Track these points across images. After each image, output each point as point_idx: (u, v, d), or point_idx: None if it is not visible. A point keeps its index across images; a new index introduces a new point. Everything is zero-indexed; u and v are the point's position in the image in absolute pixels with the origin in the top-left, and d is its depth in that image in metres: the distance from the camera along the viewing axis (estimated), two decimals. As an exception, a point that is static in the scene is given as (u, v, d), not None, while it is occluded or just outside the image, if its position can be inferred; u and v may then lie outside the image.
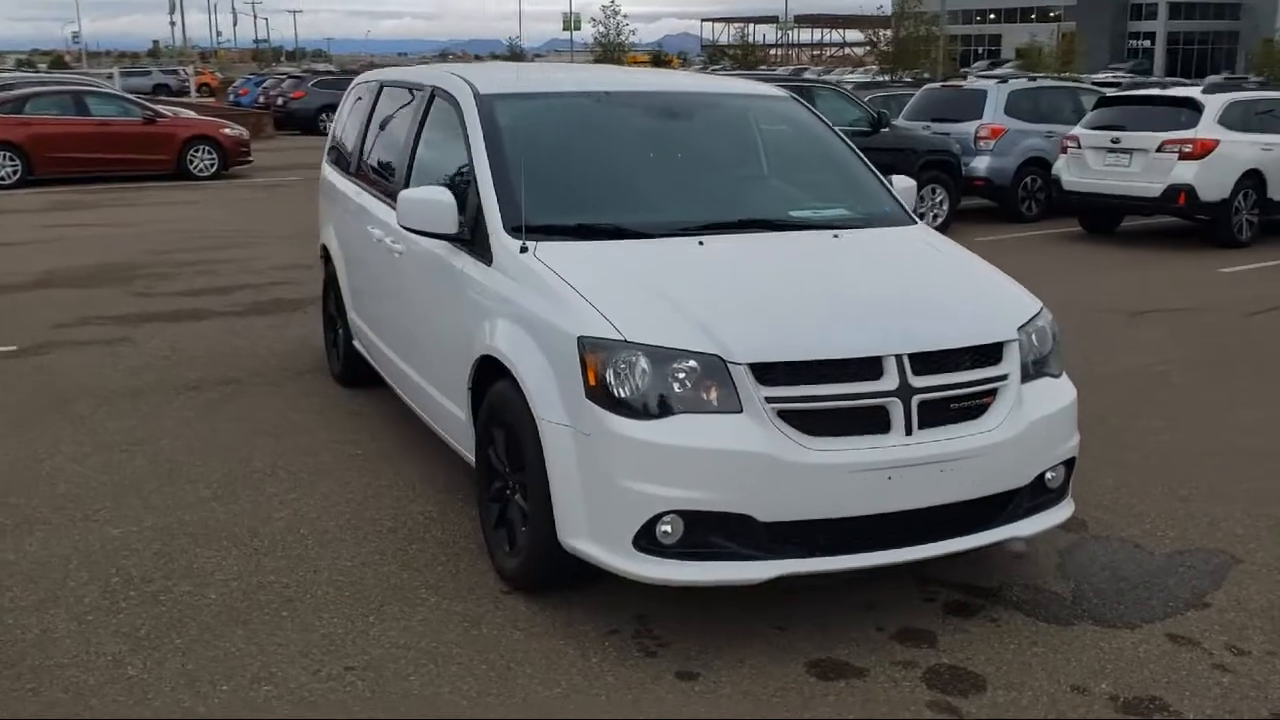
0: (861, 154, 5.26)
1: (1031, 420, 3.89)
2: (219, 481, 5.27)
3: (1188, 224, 13.50)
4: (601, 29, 49.29)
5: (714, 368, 3.57)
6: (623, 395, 3.59)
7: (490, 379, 4.24)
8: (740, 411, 3.55)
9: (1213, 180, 12.38)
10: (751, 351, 3.57)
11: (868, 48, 52.93)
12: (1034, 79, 17.95)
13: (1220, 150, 12.40)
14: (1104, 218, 13.92)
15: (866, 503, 3.61)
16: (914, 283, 4.29)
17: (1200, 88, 13.76)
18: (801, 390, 3.58)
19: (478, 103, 4.78)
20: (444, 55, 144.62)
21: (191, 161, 19.74)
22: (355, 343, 6.42)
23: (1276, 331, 8.76)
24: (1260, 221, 12.92)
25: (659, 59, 77.00)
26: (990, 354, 3.88)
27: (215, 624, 3.92)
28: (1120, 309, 9.21)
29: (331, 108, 32.40)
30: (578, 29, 78.15)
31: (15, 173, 18.34)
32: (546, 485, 3.78)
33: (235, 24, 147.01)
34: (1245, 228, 12.78)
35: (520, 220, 4.24)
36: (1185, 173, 12.36)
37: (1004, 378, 3.88)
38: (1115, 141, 12.96)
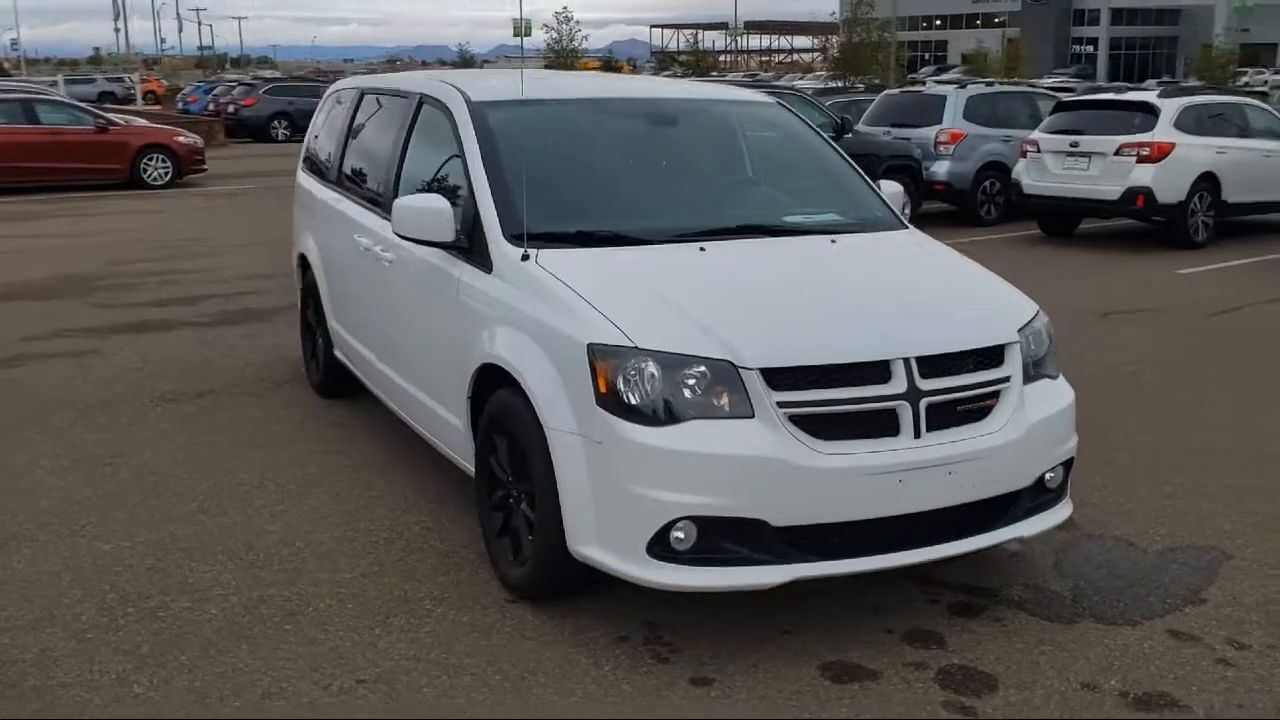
0: (850, 159, 5.30)
1: (1033, 422, 3.94)
2: (206, 494, 5.20)
3: (1144, 226, 13.74)
4: (554, 35, 49.26)
5: (725, 373, 3.58)
6: (634, 402, 3.59)
7: (491, 387, 4.22)
8: (752, 417, 3.57)
9: (1170, 183, 12.61)
10: (763, 357, 3.59)
11: (817, 54, 53.36)
12: (991, 84, 18.19)
13: (1176, 153, 12.64)
14: (1063, 220, 14.13)
15: (877, 506, 3.63)
16: (915, 287, 4.33)
17: (1157, 92, 14.00)
18: (812, 395, 3.60)
19: (470, 110, 4.76)
20: (391, 61, 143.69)
21: (145, 170, 19.45)
22: (337, 352, 6.36)
23: (1235, 332, 8.93)
24: (1215, 223, 13.18)
25: (610, 64, 77.06)
26: (993, 356, 3.92)
27: (219, 640, 3.86)
28: (1089, 310, 9.34)
29: (284, 115, 32.18)
30: (528, 35, 77.94)
31: (-37, 183, 17.99)
32: (555, 493, 3.77)
33: (181, 30, 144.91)
34: (1201, 229, 13.03)
35: (520, 228, 4.23)
36: (1143, 175, 12.58)
37: (1006, 380, 3.92)
38: (1074, 145, 13.17)
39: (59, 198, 17.94)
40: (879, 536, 3.68)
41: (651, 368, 3.59)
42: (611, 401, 3.61)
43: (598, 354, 3.65)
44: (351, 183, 5.98)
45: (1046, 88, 22.70)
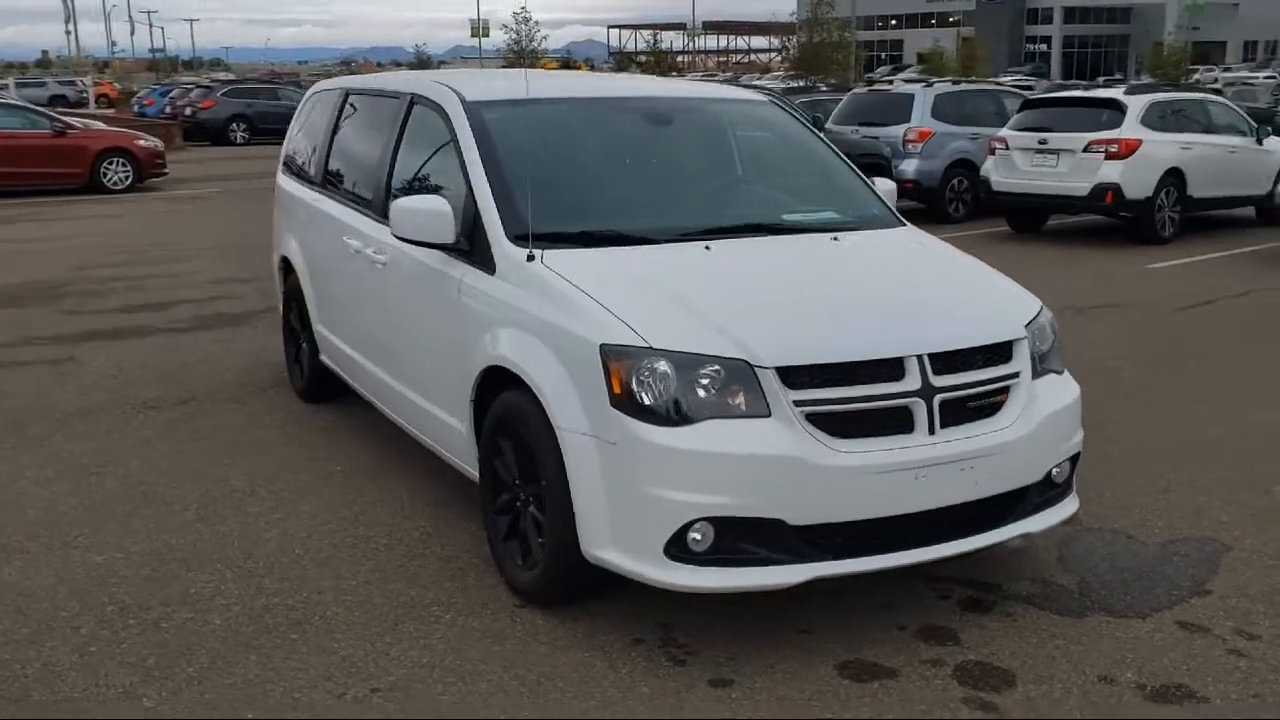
0: (845, 157, 5.30)
1: (1043, 417, 3.95)
2: (198, 503, 5.11)
3: (1111, 222, 13.89)
4: (513, 35, 49.12)
5: (740, 372, 3.56)
6: (649, 402, 3.56)
7: (495, 389, 4.18)
8: (769, 416, 3.55)
9: (1137, 179, 12.76)
10: (778, 355, 3.57)
11: (776, 54, 53.62)
12: (958, 83, 18.32)
13: (1144, 150, 12.79)
14: (1031, 217, 14.25)
15: (893, 503, 3.63)
16: (922, 284, 4.33)
17: (1123, 89, 14.16)
18: (828, 393, 3.59)
19: (466, 110, 4.71)
20: (347, 63, 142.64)
21: (105, 174, 19.16)
22: (323, 357, 6.28)
23: (1209, 326, 9.03)
24: (1181, 218, 13.34)
25: (569, 65, 76.94)
26: (1002, 352, 3.93)
27: (226, 650, 3.79)
28: (1065, 306, 9.40)
29: (242, 117, 31.89)
30: (486, 35, 77.77)
31: (-82, 189, 17.64)
32: (568, 496, 3.73)
33: (133, 33, 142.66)
34: (1168, 224, 13.19)
35: (522, 229, 4.19)
36: (1111, 172, 12.72)
37: (1016, 376, 3.93)
38: (1042, 142, 13.29)
39: (17, 203, 17.62)
40: (894, 534, 3.67)
41: (667, 368, 3.56)
42: (626, 402, 3.58)
43: (611, 354, 3.62)
44: (339, 185, 5.91)
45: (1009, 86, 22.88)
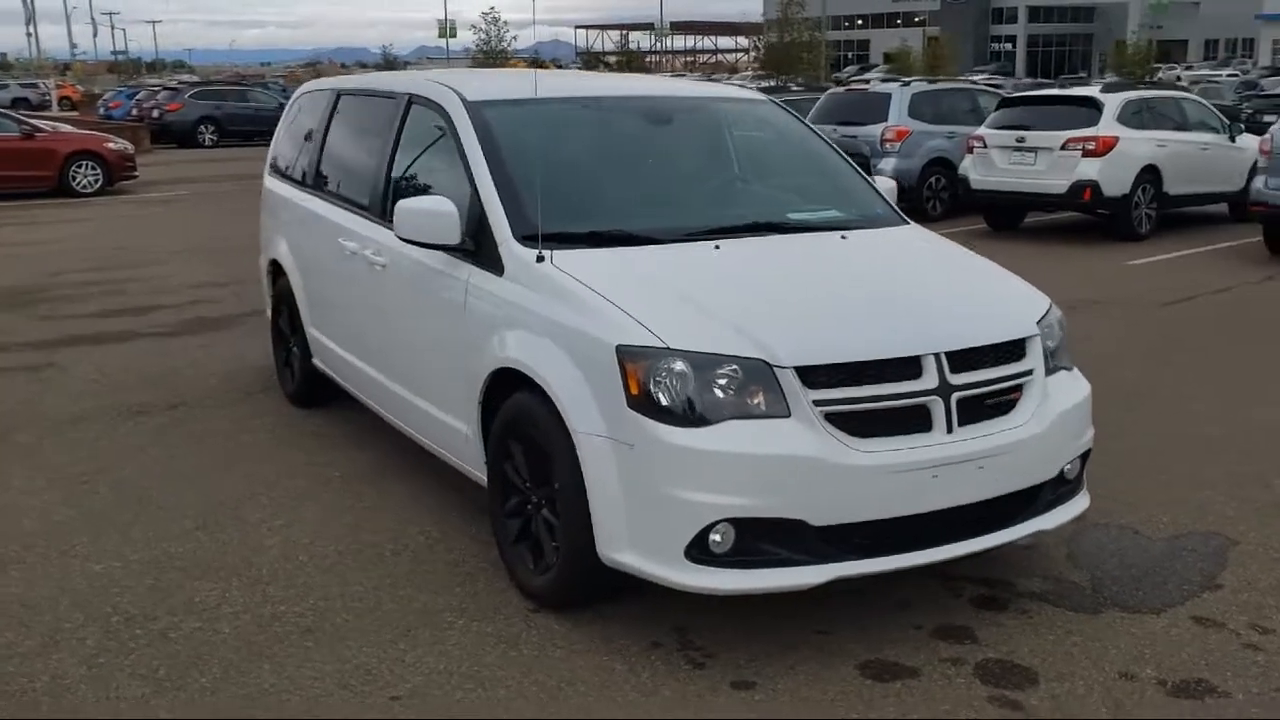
0: (845, 155, 5.29)
1: (1056, 414, 3.95)
2: (197, 510, 5.03)
3: (1087, 219, 13.99)
4: (482, 36, 48.96)
5: (759, 372, 3.54)
6: (668, 403, 3.53)
7: (503, 391, 4.14)
8: (789, 416, 3.52)
9: (1115, 176, 12.86)
10: (797, 355, 3.55)
11: (744, 53, 53.74)
12: (934, 81, 18.40)
13: (1120, 147, 12.89)
14: (1008, 215, 14.33)
15: (913, 502, 3.62)
16: (933, 282, 4.33)
17: (1099, 87, 14.26)
18: (847, 392, 3.58)
19: (468, 110, 4.66)
20: (312, 64, 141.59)
21: (74, 178, 18.91)
22: (315, 360, 6.21)
23: (1194, 322, 9.10)
24: (1157, 215, 13.45)
25: (536, 64, 76.86)
26: (1015, 350, 3.93)
27: (238, 660, 3.73)
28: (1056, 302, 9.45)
29: (211, 119, 31.59)
30: (453, 36, 77.55)
31: (-117, 193, 17.33)
32: (584, 499, 3.69)
33: (95, 35, 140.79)
34: (1145, 221, 13.29)
35: (530, 229, 4.15)
36: (1089, 169, 12.81)
37: (1029, 373, 3.94)
38: (1020, 141, 13.36)
39: (-14, 207, 17.37)
40: (913, 533, 3.66)
41: (685, 368, 3.53)
42: (644, 404, 3.55)
43: (628, 356, 3.59)
44: (333, 186, 5.83)
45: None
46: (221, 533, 4.79)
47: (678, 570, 3.54)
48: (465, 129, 4.59)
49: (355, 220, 5.36)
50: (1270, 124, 18.21)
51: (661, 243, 4.26)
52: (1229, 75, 43.33)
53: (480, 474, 4.44)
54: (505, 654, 3.76)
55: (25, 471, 5.57)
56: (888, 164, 14.87)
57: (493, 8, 48.34)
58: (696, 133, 5.18)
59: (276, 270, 6.68)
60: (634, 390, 3.56)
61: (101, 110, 37.21)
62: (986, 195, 13.82)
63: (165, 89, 35.35)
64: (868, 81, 19.12)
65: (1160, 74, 47.89)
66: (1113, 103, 13.17)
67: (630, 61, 49.49)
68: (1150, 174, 13.17)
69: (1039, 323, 4.09)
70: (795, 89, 24.10)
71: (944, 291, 4.22)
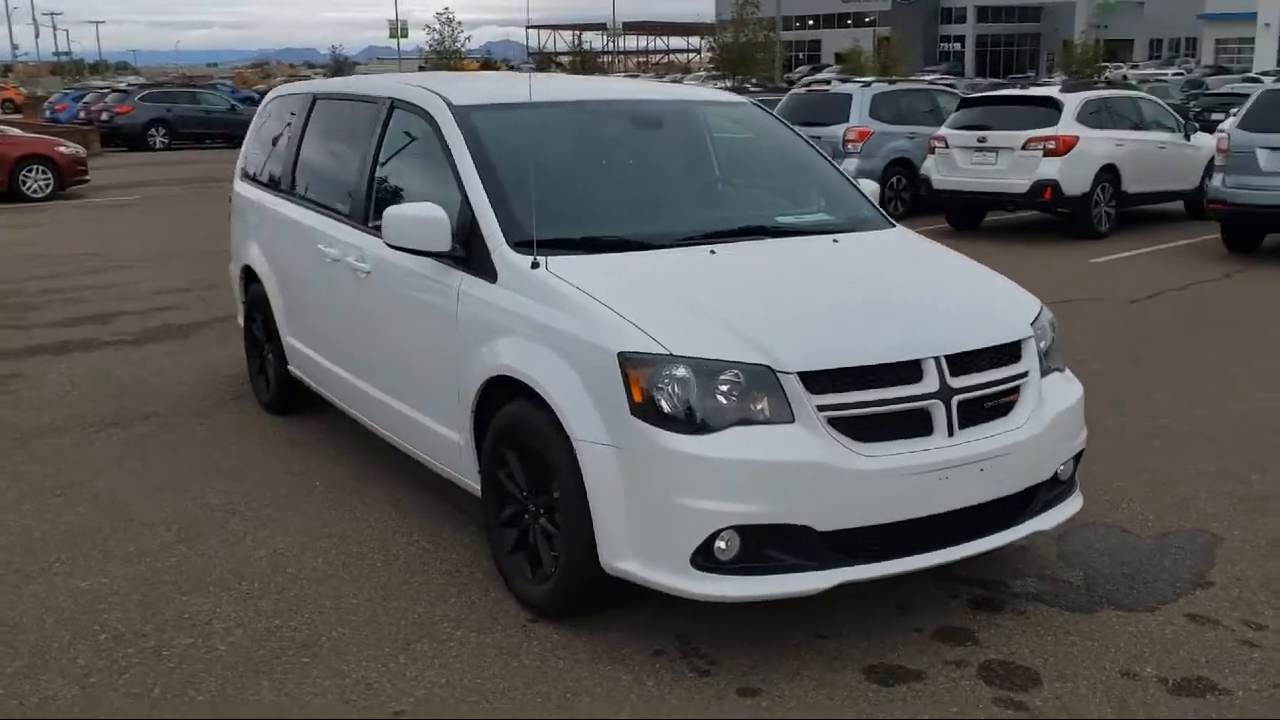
0: (829, 158, 5.30)
1: (1053, 416, 3.98)
2: (179, 523, 4.94)
3: (1047, 217, 14.16)
4: (436, 36, 48.68)
5: (763, 378, 3.53)
6: (672, 410, 3.51)
7: (498, 400, 4.10)
8: (793, 421, 3.52)
9: (1075, 175, 13.02)
10: (801, 360, 3.55)
11: (697, 54, 53.86)
12: (894, 82, 18.53)
13: (1080, 146, 13.05)
14: (969, 214, 14.46)
15: (916, 505, 3.63)
16: (927, 285, 4.34)
17: (1058, 87, 14.43)
18: (850, 397, 3.58)
19: (455, 115, 4.61)
20: (261, 65, 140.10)
21: (24, 182, 18.54)
22: (291, 368, 6.13)
23: (1161, 319, 9.23)
24: (1116, 213, 13.64)
25: (489, 65, 76.46)
26: (1011, 352, 3.96)
27: (235, 677, 3.66)
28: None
29: (162, 122, 31.10)
30: (405, 36, 76.97)
31: None
32: (585, 507, 3.66)
33: (37, 36, 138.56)
34: (1104, 219, 13.47)
35: (523, 235, 4.12)
36: (1050, 169, 12.96)
37: (1025, 375, 3.96)
38: (982, 141, 13.49)
39: (-67, 213, 17.01)
40: (916, 536, 3.67)
41: (689, 375, 3.52)
42: (648, 411, 3.52)
43: (630, 363, 3.56)
44: (311, 192, 5.75)
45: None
46: (205, 545, 4.71)
47: (683, 578, 3.52)
48: (453, 134, 4.54)
49: (336, 226, 5.29)
50: (1217, 122, 18.61)
51: (655, 248, 4.23)
52: (1174, 74, 44.10)
53: (472, 483, 4.39)
54: (507, 665, 3.72)
55: (-2, 486, 5.45)
56: (850, 165, 14.91)
57: (447, 8, 48.08)
58: (683, 136, 5.17)
59: (249, 276, 6.58)
60: (637, 397, 3.54)
61: (48, 113, 36.52)
62: (949, 195, 13.93)
63: (114, 91, 34.77)
64: (828, 82, 19.17)
65: (1108, 73, 48.57)
66: (1072, 103, 13.33)
67: (584, 62, 49.39)
68: (1109, 173, 13.35)
69: (1032, 324, 4.11)
70: (752, 89, 24.18)
71: (939, 294, 4.24)
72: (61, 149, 19.27)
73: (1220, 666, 3.68)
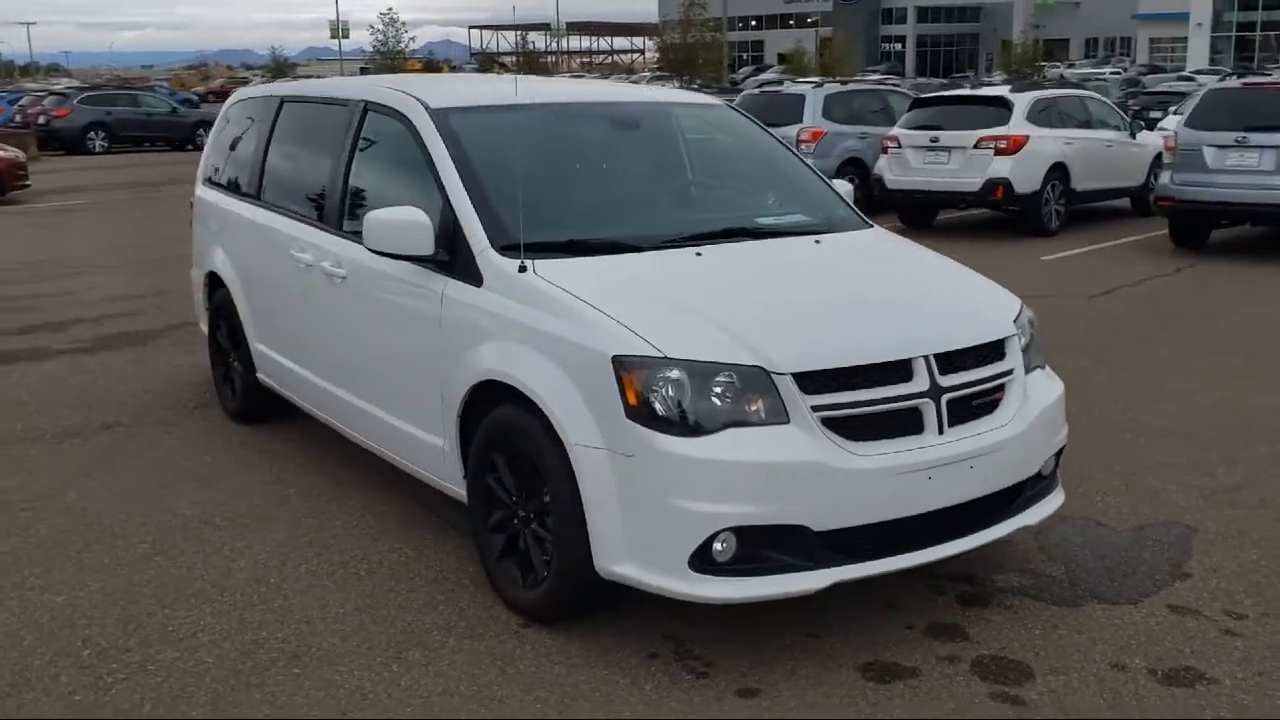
0: (804, 159, 5.33)
1: (1037, 413, 4.03)
2: (154, 535, 4.85)
3: (998, 215, 14.35)
4: (379, 37, 48.28)
5: (758, 380, 3.54)
6: (667, 413, 3.51)
7: (485, 404, 4.08)
8: (788, 422, 3.53)
9: (1026, 173, 13.21)
10: (794, 361, 3.56)
11: (640, 54, 53.92)
12: (845, 83, 18.68)
13: (1031, 145, 13.25)
14: (922, 213, 14.61)
15: (909, 503, 3.66)
16: (911, 284, 4.38)
17: (1009, 87, 14.63)
18: (843, 397, 3.60)
19: (434, 118, 4.57)
20: (199, 66, 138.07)
21: (-38, 188, 18.13)
22: (260, 375, 6.05)
23: (1118, 314, 9.37)
24: (1065, 210, 13.85)
25: (431, 65, 75.96)
26: (996, 350, 4.00)
27: (226, 690, 3.60)
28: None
29: (101, 125, 30.53)
30: (346, 37, 76.24)
31: None
32: (579, 511, 3.65)
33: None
34: (1054, 217, 13.68)
35: (508, 239, 4.10)
36: (1001, 167, 13.14)
37: (1010, 372, 4.01)
38: (934, 140, 13.64)
39: None
40: (909, 534, 3.70)
41: (684, 377, 3.52)
42: (644, 414, 3.52)
43: (624, 366, 3.56)
44: (281, 197, 5.68)
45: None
46: (183, 557, 4.63)
47: (681, 581, 3.52)
48: (432, 138, 4.50)
49: (309, 231, 5.23)
50: (1156, 120, 19.00)
51: (640, 250, 4.23)
52: (1112, 73, 44.89)
53: (457, 489, 4.36)
54: (503, 671, 3.70)
55: (-40, 500, 5.32)
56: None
57: (390, 8, 47.76)
58: (662, 138, 5.16)
59: (214, 283, 6.48)
60: (632, 400, 3.53)
61: (-20, 117, 35.67)
62: (902, 195, 14.07)
63: (51, 94, 34.08)
64: (780, 83, 19.28)
65: (1046, 72, 49.32)
66: (1022, 102, 13.53)
67: (530, 62, 49.32)
68: (1059, 171, 13.56)
69: (1014, 322, 4.16)
70: (700, 90, 24.28)
71: (923, 294, 4.27)
72: (1, 154, 18.85)
73: (1206, 656, 3.75)
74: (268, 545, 4.74)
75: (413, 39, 49.94)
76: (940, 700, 3.51)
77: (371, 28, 48.92)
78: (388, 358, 4.70)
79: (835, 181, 5.30)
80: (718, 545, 3.49)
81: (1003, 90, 14.26)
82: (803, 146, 15.09)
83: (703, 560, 3.50)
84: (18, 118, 32.61)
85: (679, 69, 41.56)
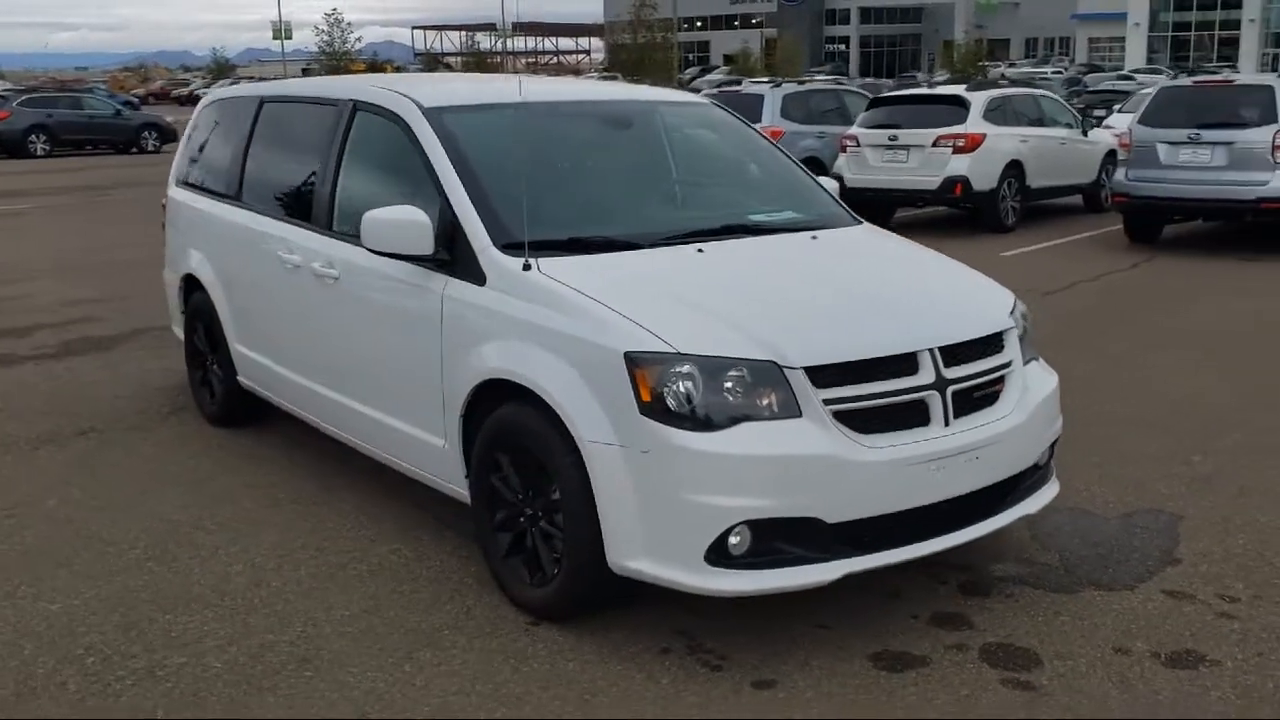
0: (791, 156, 5.38)
1: (1036, 403, 4.11)
2: (144, 540, 4.79)
3: (954, 212, 14.54)
4: (325, 37, 47.83)
5: (770, 374, 3.57)
6: (682, 408, 3.53)
7: (488, 403, 4.07)
8: (800, 416, 3.57)
9: (983, 171, 13.40)
10: (806, 355, 3.60)
11: (586, 54, 53.91)
12: (803, 83, 18.82)
13: (987, 143, 13.45)
14: (880, 211, 14.73)
15: (919, 494, 3.71)
16: (910, 279, 4.44)
17: (965, 86, 14.83)
18: (853, 390, 3.64)
19: (429, 118, 4.56)
20: (135, 68, 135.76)
21: (-96, 192, 17.67)
22: (241, 378, 5.98)
23: (1078, 309, 9.55)
24: (1021, 207, 14.07)
25: (375, 66, 75.33)
26: (995, 343, 4.07)
27: (238, 695, 3.57)
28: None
29: (42, 128, 29.84)
30: (289, 38, 75.36)
31: None
32: (592, 508, 3.66)
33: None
34: (1010, 213, 13.89)
35: (510, 238, 4.11)
36: (959, 165, 13.32)
37: (1009, 364, 4.08)
38: (893, 139, 13.79)
39: None
40: (918, 524, 3.75)
41: (698, 372, 3.54)
42: (658, 410, 3.54)
43: (637, 362, 3.57)
44: (265, 198, 5.62)
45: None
46: (177, 562, 4.58)
47: (697, 575, 3.55)
48: (428, 137, 4.49)
49: (297, 232, 5.18)
50: (1101, 118, 19.34)
51: (640, 247, 4.25)
52: (1053, 72, 45.59)
53: (458, 488, 4.35)
54: (517, 670, 3.70)
55: (-62, 509, 5.21)
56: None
57: (335, 9, 47.35)
58: (652, 136, 5.18)
59: (190, 285, 6.40)
60: (645, 396, 3.55)
61: (-83, 120, 34.79)
62: (862, 193, 14.16)
63: (-10, 96, 33.34)
64: (739, 83, 19.39)
65: (988, 72, 49.98)
66: (978, 101, 13.73)
67: (479, 62, 49.16)
68: (1015, 168, 13.78)
69: (1009, 315, 4.24)
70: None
71: (922, 288, 4.34)
72: (-57, 157, 18.43)
73: (1205, 639, 3.84)
74: (263, 549, 4.69)
75: (359, 40, 49.53)
76: (953, 687, 3.56)
77: (317, 28, 48.47)
78: (384, 358, 4.67)
79: (823, 179, 5.35)
80: (733, 539, 3.52)
81: (959, 89, 14.44)
82: (762, 146, 15.19)
83: (718, 554, 3.53)
84: (-45, 121, 31.83)
85: (629, 70, 41.65)
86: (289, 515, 5.06)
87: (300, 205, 5.23)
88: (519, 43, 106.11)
